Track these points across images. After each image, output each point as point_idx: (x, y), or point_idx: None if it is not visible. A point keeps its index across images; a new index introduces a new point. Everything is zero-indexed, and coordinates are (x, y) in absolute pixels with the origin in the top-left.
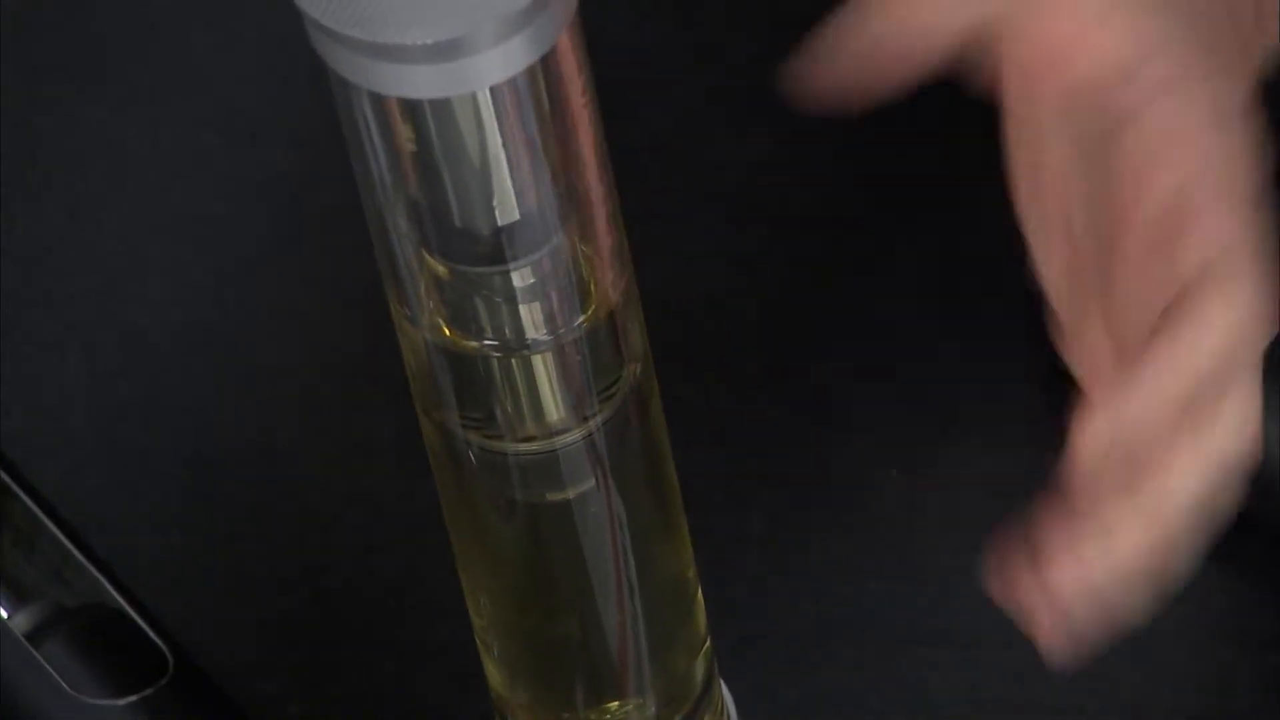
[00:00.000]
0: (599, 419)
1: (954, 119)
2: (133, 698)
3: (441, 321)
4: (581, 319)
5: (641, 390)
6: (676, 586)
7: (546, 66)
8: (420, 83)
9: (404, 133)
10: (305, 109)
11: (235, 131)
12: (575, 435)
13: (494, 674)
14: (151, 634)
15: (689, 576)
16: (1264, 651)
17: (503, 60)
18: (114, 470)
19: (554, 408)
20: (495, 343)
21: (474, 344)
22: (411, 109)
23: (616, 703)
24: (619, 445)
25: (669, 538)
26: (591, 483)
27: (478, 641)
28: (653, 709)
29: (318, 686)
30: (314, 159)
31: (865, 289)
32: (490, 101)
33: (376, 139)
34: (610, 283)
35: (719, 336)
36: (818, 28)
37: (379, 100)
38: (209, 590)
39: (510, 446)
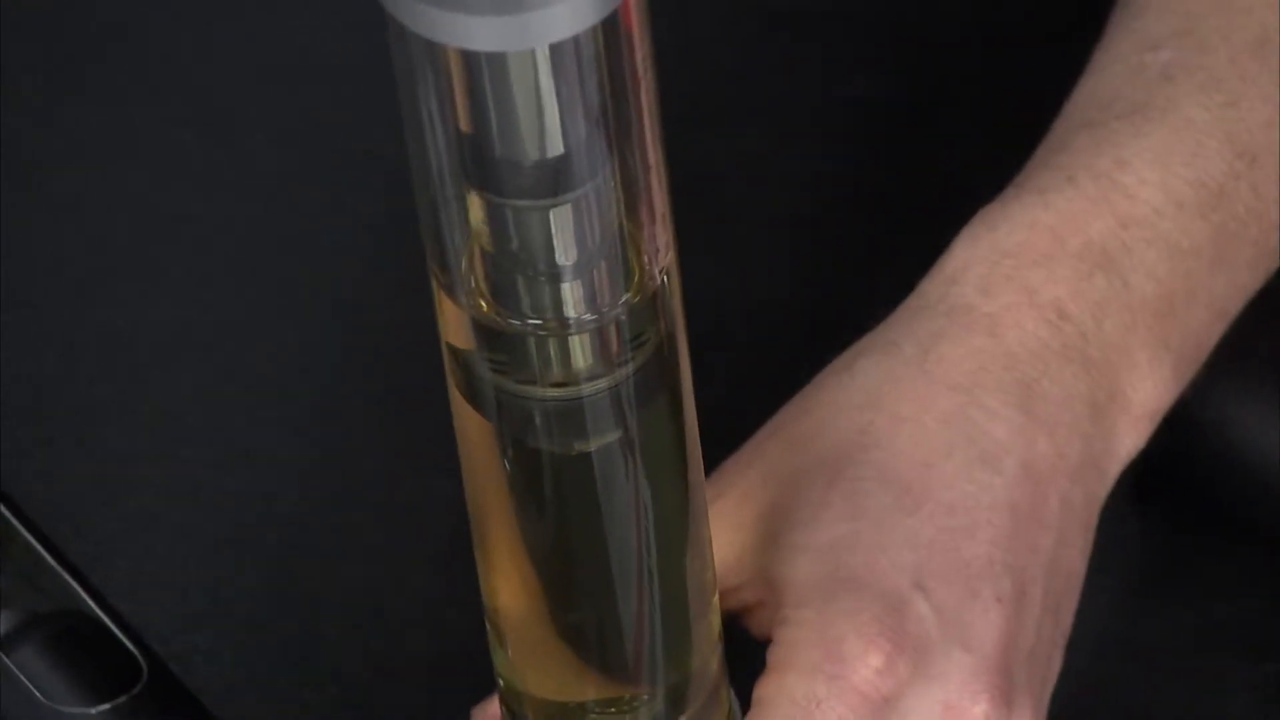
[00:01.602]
0: (629, 368)
1: (952, 117)
2: (106, 706)
3: (482, 300)
4: (625, 297)
5: (670, 346)
6: (695, 582)
7: (611, 25)
8: (480, 35)
9: (459, 82)
10: (285, 108)
11: (213, 131)
12: (603, 384)
13: (503, 661)
14: (125, 641)
15: (707, 579)
16: (1262, 659)
17: (568, 16)
18: (89, 474)
19: (584, 364)
20: (538, 321)
21: (515, 322)
22: (469, 58)
23: (626, 694)
24: (646, 396)
25: (691, 532)
26: (617, 434)
27: (488, 626)
28: (661, 706)
29: (295, 697)
30: (294, 158)
31: (859, 288)
32: (549, 58)
33: (430, 87)
34: (656, 259)
35: (712, 336)
36: (809, 26)
37: (436, 49)
38: (184, 597)
39: (538, 391)
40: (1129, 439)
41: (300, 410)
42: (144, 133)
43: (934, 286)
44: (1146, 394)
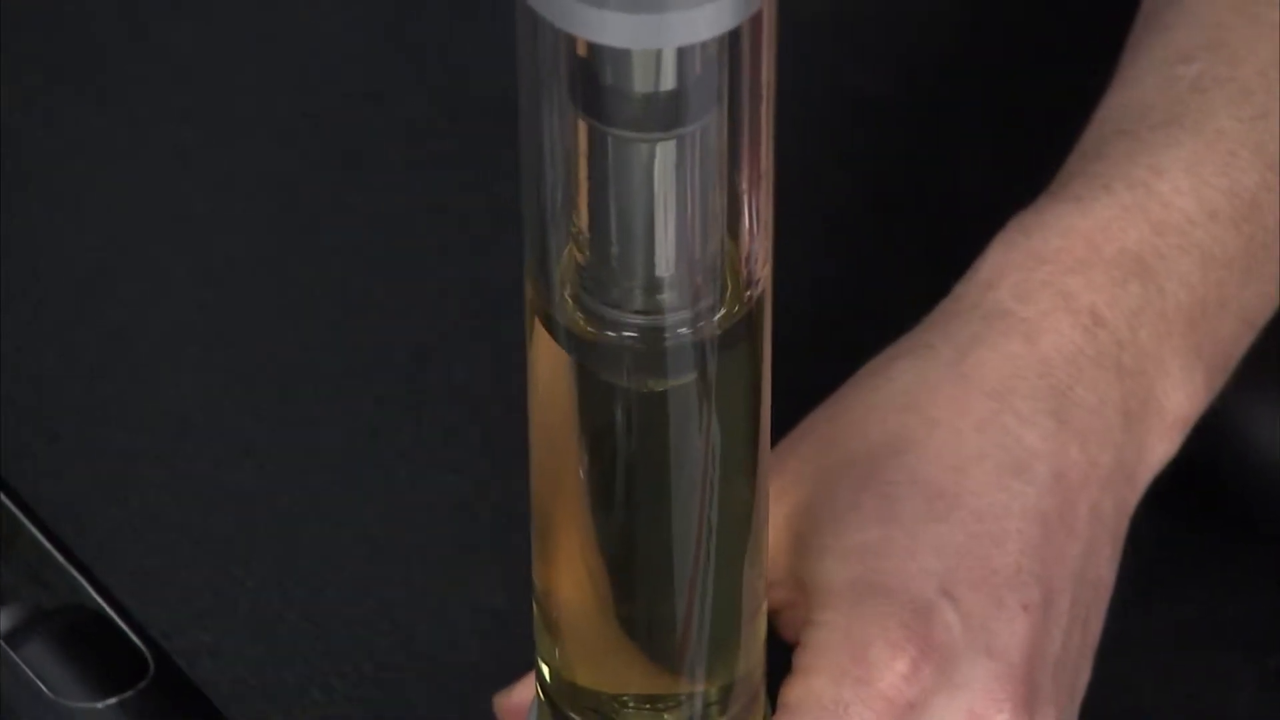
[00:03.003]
0: (715, 318)
1: (956, 115)
2: (112, 700)
3: (580, 315)
4: (720, 313)
5: (759, 309)
6: (751, 585)
7: (742, 34)
8: (610, 29)
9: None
10: (288, 106)
11: (216, 129)
12: (687, 330)
13: (547, 647)
14: (132, 636)
15: (760, 587)
16: (1265, 654)
17: (707, 19)
18: (93, 470)
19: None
20: (634, 335)
21: (611, 334)
22: (598, 51)
23: (673, 691)
24: (727, 369)
25: (754, 528)
26: (692, 375)
27: (535, 611)
28: (704, 705)
29: (301, 693)
30: (296, 157)
31: (862, 288)
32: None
33: (558, 76)
34: (755, 269)
35: None
36: (814, 25)
37: (568, 41)
38: (189, 593)
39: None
40: (1160, 447)
41: (304, 407)
42: (146, 130)
43: (970, 290)
44: (1179, 402)
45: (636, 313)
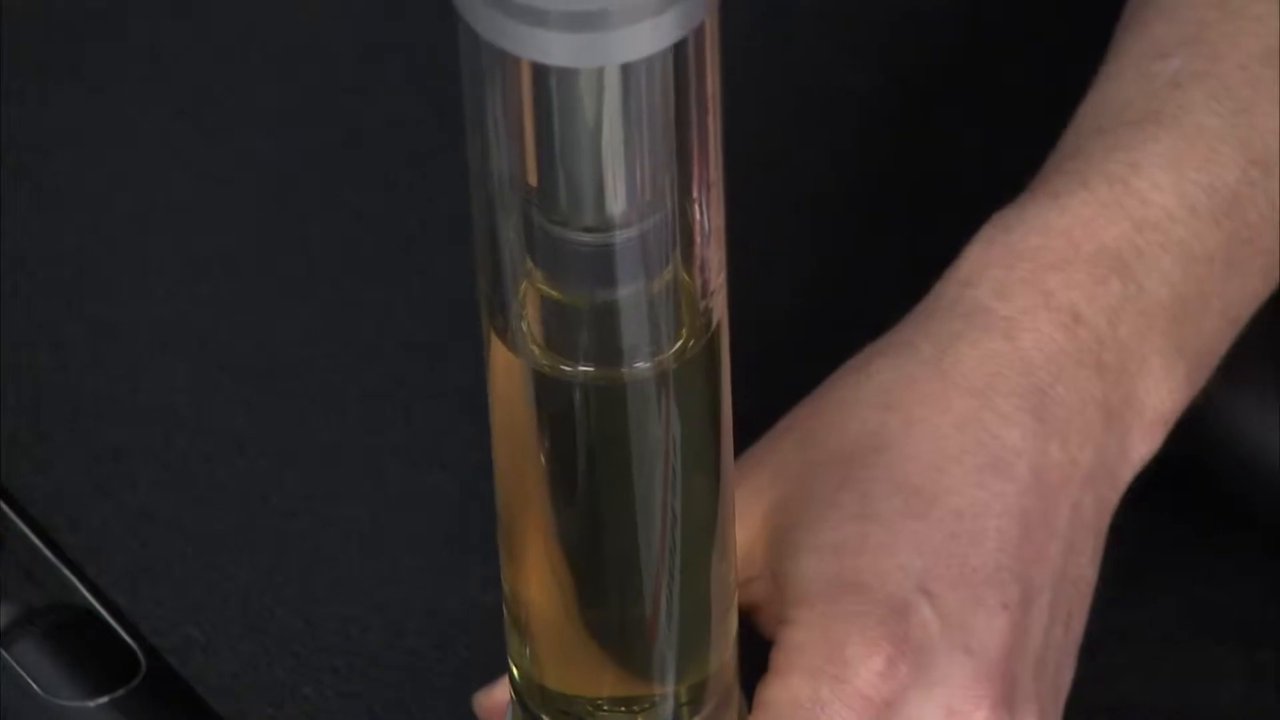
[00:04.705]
0: (671, 353)
1: (947, 111)
2: (104, 699)
3: (537, 349)
4: (680, 343)
5: (717, 336)
6: (720, 581)
7: (685, 48)
8: (557, 50)
9: (530, 93)
10: (282, 99)
11: (210, 121)
12: (647, 364)
13: (518, 651)
14: (123, 634)
15: (730, 580)
16: (1253, 646)
17: (647, 36)
18: (86, 467)
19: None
20: (590, 369)
21: (566, 369)
22: (541, 71)
23: (645, 693)
24: (687, 382)
25: (720, 525)
26: (652, 391)
27: (505, 615)
28: (677, 705)
29: (292, 689)
30: (287, 152)
31: (847, 286)
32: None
33: (499, 95)
34: (710, 301)
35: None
36: (801, 20)
37: (509, 60)
38: (181, 590)
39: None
40: (1142, 445)
41: (296, 403)
42: (140, 123)
43: (950, 288)
44: (1160, 399)
45: (593, 330)
